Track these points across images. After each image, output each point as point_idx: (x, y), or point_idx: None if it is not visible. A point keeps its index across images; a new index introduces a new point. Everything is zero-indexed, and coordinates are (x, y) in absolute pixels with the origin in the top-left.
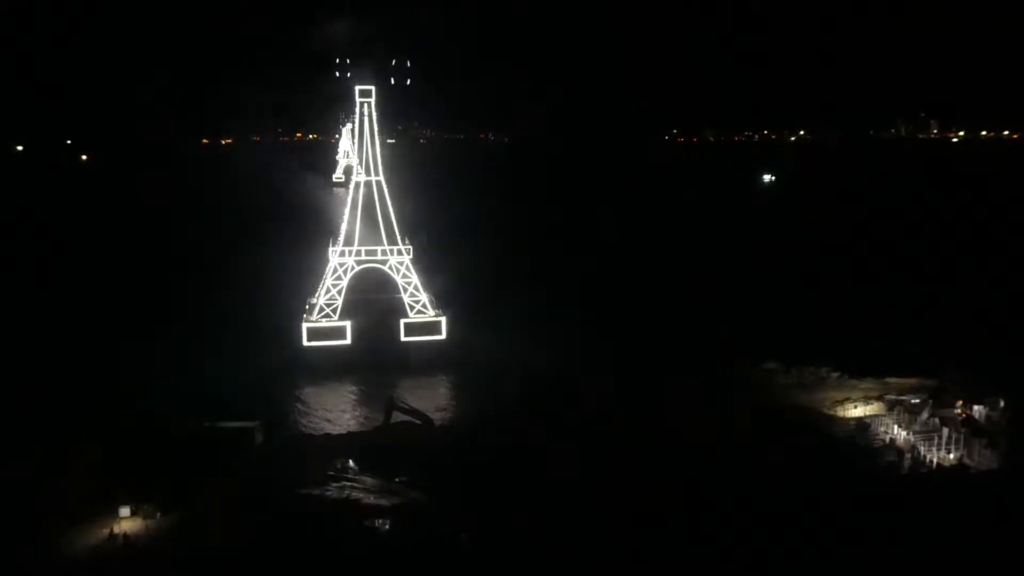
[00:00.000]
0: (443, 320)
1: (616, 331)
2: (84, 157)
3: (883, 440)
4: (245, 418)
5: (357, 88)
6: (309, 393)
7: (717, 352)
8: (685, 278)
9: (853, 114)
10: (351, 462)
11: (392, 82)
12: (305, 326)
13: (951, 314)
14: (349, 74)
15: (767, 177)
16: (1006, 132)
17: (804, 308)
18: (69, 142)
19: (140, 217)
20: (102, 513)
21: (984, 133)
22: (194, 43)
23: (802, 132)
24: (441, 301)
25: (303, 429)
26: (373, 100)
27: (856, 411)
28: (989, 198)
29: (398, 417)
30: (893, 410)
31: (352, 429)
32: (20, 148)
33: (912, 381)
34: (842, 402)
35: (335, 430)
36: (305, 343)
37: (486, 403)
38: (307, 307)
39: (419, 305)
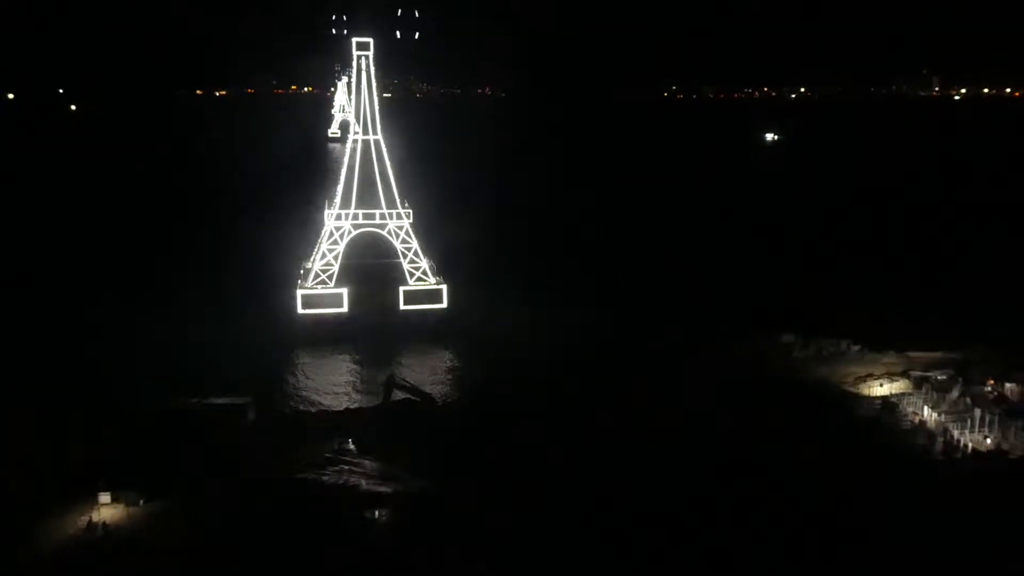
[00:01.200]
0: (444, 288)
1: (623, 301)
2: (73, 107)
3: (912, 421)
4: (236, 393)
5: (354, 40)
6: (304, 365)
7: (730, 325)
8: (695, 247)
9: (853, 71)
10: (350, 442)
11: (398, 35)
12: (300, 293)
13: (971, 283)
14: (345, 31)
15: (770, 136)
16: (1008, 90)
17: (818, 277)
18: (62, 91)
19: (125, 171)
20: (80, 500)
21: (986, 91)
22: None
23: (803, 89)
24: (440, 268)
25: (298, 405)
26: (371, 53)
27: (881, 389)
28: (1007, 161)
29: (398, 395)
30: (920, 388)
31: (350, 405)
32: (11, 96)
33: (936, 355)
34: (865, 378)
35: (332, 406)
36: (300, 311)
37: (489, 378)
38: (301, 273)
39: (419, 272)
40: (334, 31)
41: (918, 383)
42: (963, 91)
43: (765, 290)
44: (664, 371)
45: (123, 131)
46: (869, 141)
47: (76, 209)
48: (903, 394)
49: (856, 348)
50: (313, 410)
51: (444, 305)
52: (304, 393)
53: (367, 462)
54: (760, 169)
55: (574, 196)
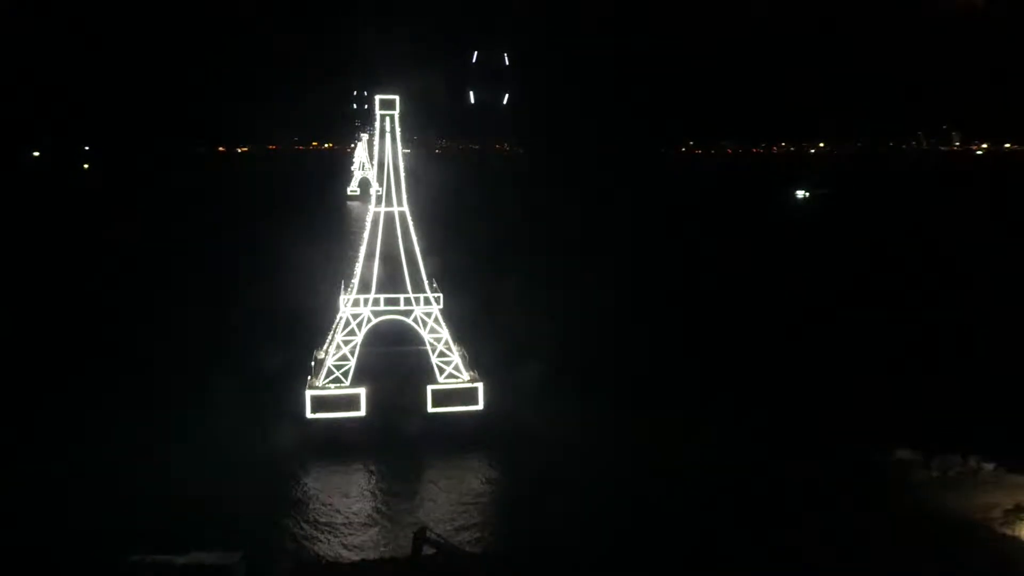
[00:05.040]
0: (480, 387)
1: (697, 400)
2: (86, 166)
3: None
4: (223, 543)
5: (378, 98)
6: (311, 490)
7: (835, 436)
8: (775, 334)
9: (873, 126)
10: None
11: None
12: (309, 394)
13: None
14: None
15: (800, 194)
16: None
17: (922, 370)
18: (88, 148)
19: (117, 241)
20: None
21: (1008, 146)
22: (210, 49)
23: (821, 144)
24: (475, 361)
25: (301, 552)
26: (397, 113)
27: None
28: None
29: (429, 550)
30: None
31: (367, 552)
32: (36, 154)
33: None
34: (1015, 512)
35: (345, 549)
36: (309, 415)
37: (541, 512)
38: (312, 366)
39: (450, 367)
40: (355, 103)
41: None
42: (984, 145)
43: (866, 389)
44: (760, 507)
45: (131, 192)
46: (924, 200)
47: (51, 282)
48: None
49: (990, 467)
50: (323, 560)
51: (480, 407)
52: (309, 533)
53: None
54: (812, 234)
55: (626, 268)
